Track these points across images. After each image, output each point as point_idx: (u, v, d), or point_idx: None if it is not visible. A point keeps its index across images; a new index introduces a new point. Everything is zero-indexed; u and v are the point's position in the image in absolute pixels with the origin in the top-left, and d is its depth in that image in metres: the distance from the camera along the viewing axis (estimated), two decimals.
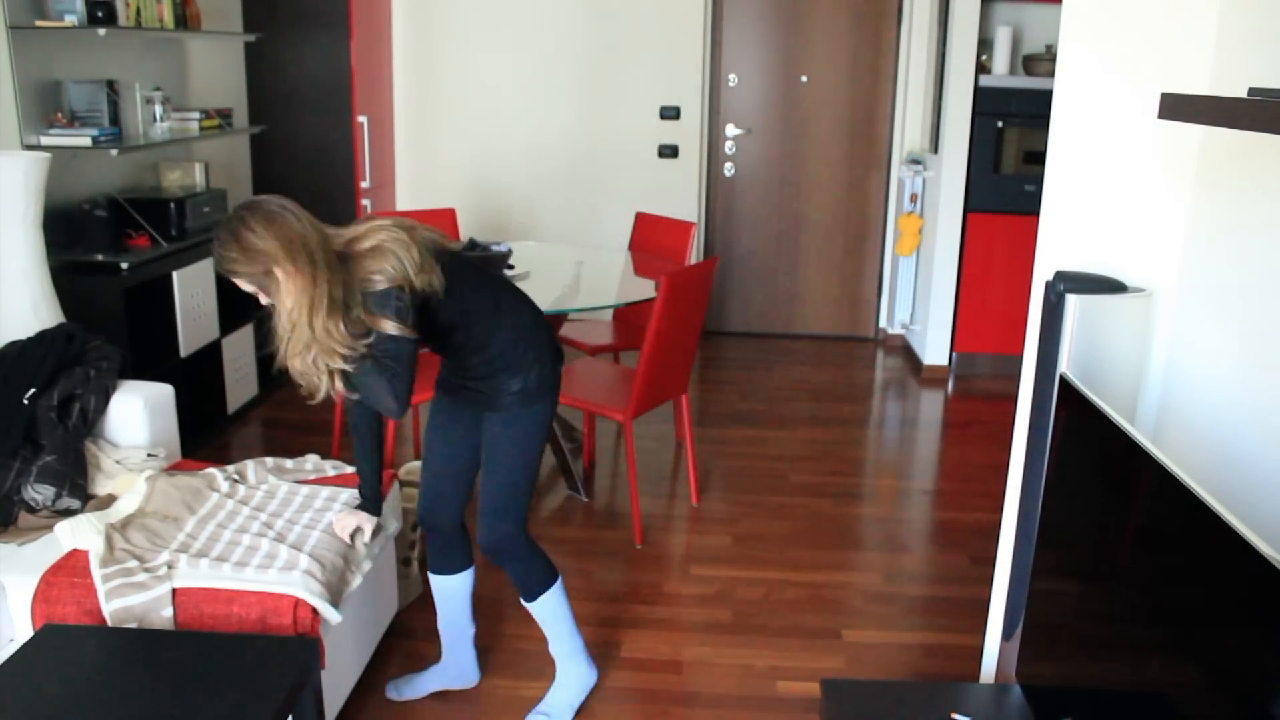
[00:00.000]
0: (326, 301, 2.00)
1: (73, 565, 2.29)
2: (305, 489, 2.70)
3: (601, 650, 2.84)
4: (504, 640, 2.89)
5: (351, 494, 2.66)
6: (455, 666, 2.67)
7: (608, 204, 5.85)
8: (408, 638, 2.90)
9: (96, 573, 2.24)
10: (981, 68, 5.11)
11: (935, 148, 5.35)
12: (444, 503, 2.52)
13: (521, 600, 2.54)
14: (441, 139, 5.93)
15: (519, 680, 2.74)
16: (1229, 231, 1.94)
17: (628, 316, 4.42)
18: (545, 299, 3.51)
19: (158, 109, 4.29)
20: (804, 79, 5.82)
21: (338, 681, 2.43)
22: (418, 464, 3.23)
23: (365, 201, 5.35)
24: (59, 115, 3.76)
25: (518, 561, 2.47)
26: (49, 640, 2.00)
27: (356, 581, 2.43)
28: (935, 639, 2.97)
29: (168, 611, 2.20)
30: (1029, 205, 5.02)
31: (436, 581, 2.59)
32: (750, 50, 5.82)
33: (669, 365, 3.50)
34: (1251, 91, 1.65)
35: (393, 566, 2.85)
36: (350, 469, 2.90)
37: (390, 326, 2.07)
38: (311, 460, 3.01)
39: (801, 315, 6.16)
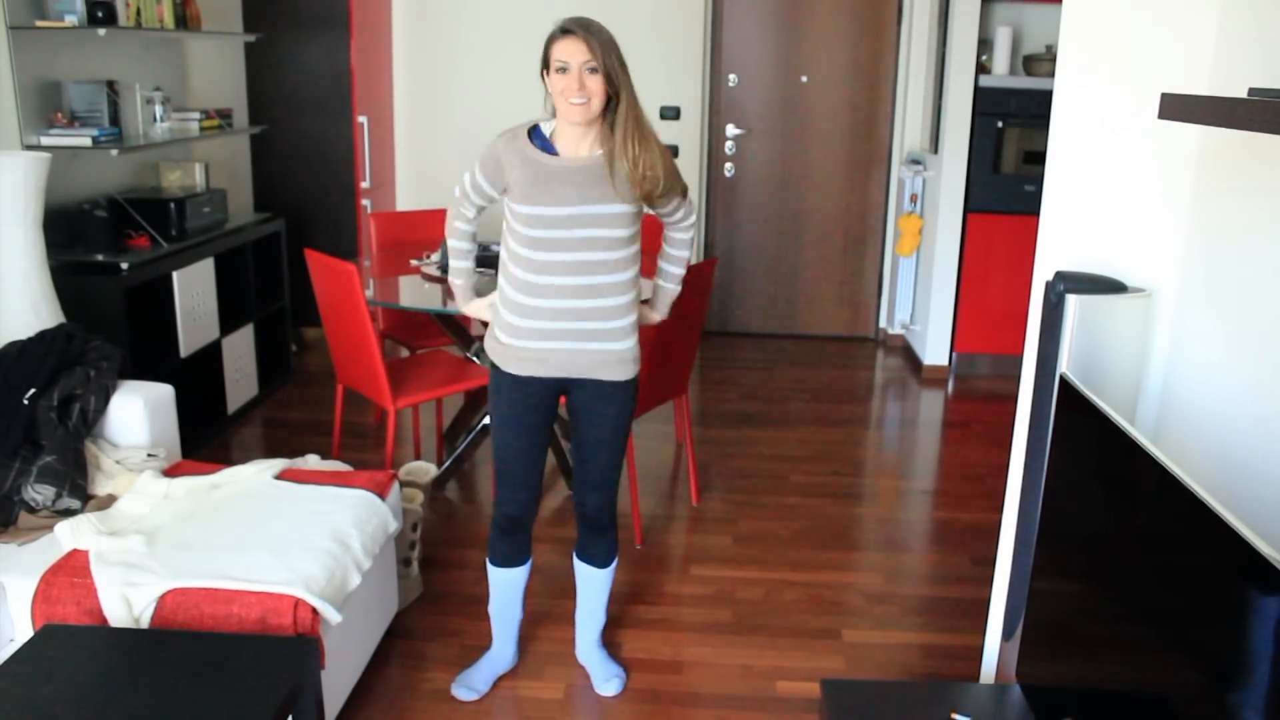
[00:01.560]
0: None
1: (73, 565, 2.29)
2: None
3: None
4: None
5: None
6: (508, 651, 2.75)
7: None
8: (408, 638, 2.90)
9: (98, 573, 2.24)
10: (981, 68, 5.11)
11: (935, 148, 5.35)
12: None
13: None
14: (441, 139, 5.93)
15: (520, 680, 2.74)
16: (1229, 231, 1.94)
17: None
18: None
19: (158, 109, 4.29)
20: (804, 79, 5.82)
21: (338, 681, 2.43)
22: (417, 464, 3.23)
23: (365, 201, 5.35)
24: (59, 115, 3.76)
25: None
26: (49, 640, 2.00)
27: (356, 581, 2.43)
28: (935, 639, 2.97)
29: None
30: (1029, 205, 5.03)
31: (509, 575, 2.64)
32: (750, 50, 5.82)
33: (669, 365, 3.50)
34: (1251, 91, 1.65)
35: (393, 566, 2.85)
36: (349, 468, 2.90)
37: None
38: (312, 460, 3.01)
39: (801, 315, 6.16)
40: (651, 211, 2.47)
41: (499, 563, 2.64)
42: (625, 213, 2.32)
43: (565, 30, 2.27)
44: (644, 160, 2.28)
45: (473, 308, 2.63)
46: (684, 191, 2.48)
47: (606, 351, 2.39)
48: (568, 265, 2.31)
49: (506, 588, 2.67)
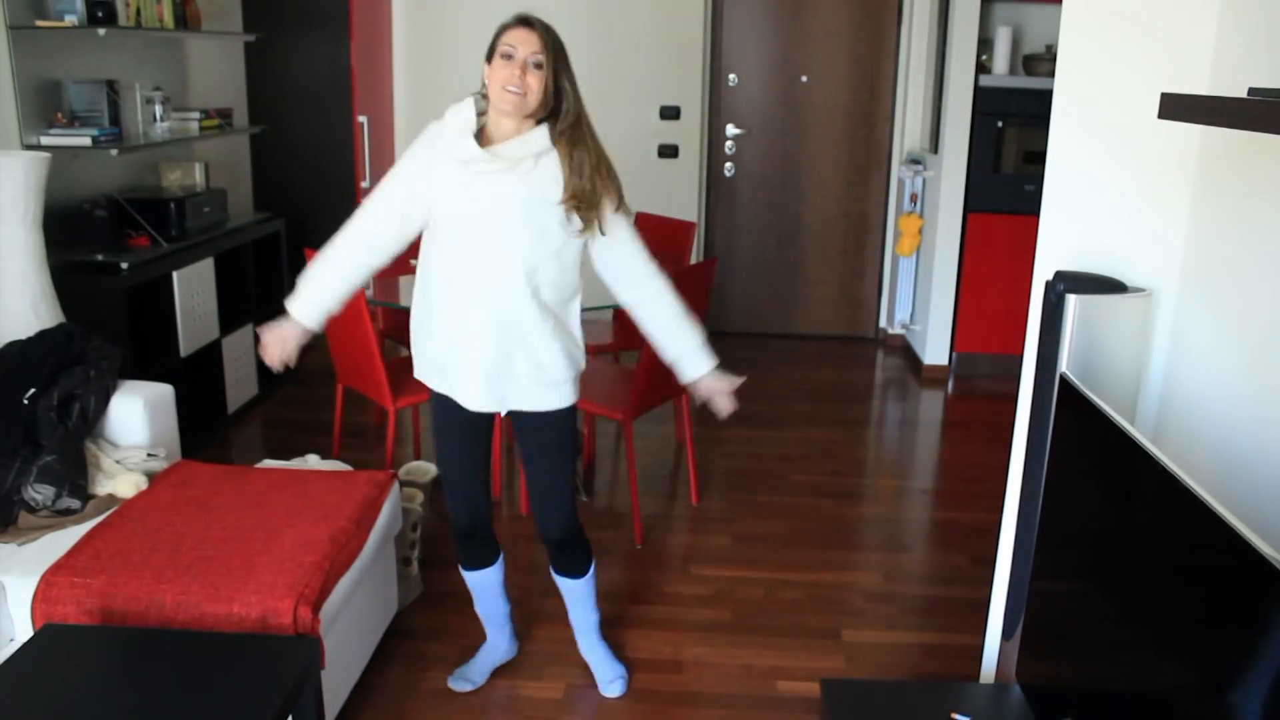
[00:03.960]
0: None
1: (73, 565, 2.29)
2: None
3: None
4: None
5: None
6: (502, 644, 2.76)
7: None
8: (408, 638, 2.90)
9: None
10: (981, 68, 5.11)
11: (935, 148, 5.34)
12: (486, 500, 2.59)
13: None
14: None
15: (519, 680, 2.74)
16: (1229, 231, 1.94)
17: (628, 317, 4.41)
18: None
19: (158, 109, 4.29)
20: (804, 79, 5.82)
21: (338, 681, 2.43)
22: (417, 464, 3.23)
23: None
24: (59, 115, 3.76)
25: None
26: (49, 640, 2.00)
27: (347, 581, 2.43)
28: (935, 639, 2.97)
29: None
30: (1029, 205, 5.01)
31: (478, 577, 2.65)
32: (750, 50, 5.82)
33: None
34: (1251, 91, 1.65)
35: (393, 566, 2.85)
36: (349, 468, 2.90)
37: None
38: (312, 460, 3.01)
39: (801, 315, 6.16)
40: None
41: (465, 566, 2.64)
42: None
43: (521, 20, 2.21)
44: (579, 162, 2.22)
45: None
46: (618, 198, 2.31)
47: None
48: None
49: (481, 589, 2.67)
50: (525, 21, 2.21)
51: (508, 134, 2.22)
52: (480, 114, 2.26)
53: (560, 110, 2.22)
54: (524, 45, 2.17)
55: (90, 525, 2.52)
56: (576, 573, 2.62)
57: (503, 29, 2.23)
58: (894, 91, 5.80)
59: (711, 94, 5.88)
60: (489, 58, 2.23)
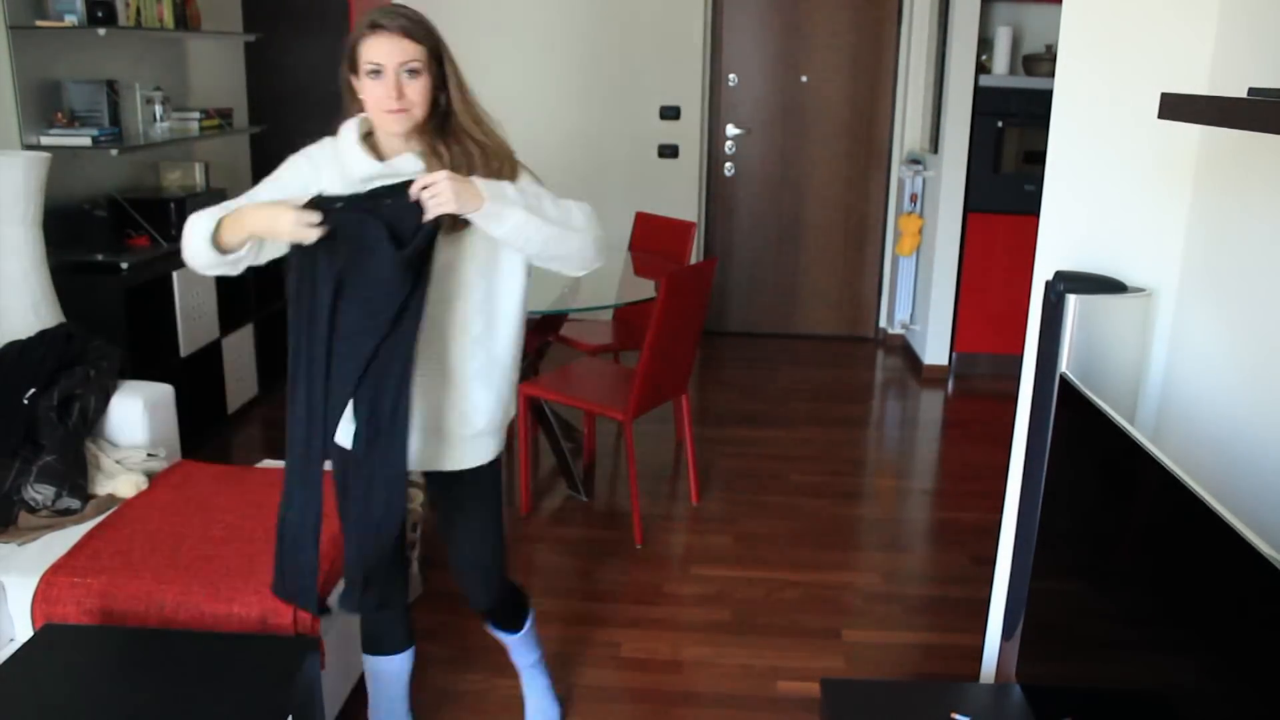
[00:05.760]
0: None
1: (73, 565, 2.29)
2: None
3: (602, 650, 2.84)
4: None
5: None
6: None
7: (608, 204, 5.82)
8: None
9: None
10: (981, 68, 5.11)
11: (935, 148, 5.34)
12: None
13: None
14: None
15: (519, 680, 2.73)
16: (1229, 231, 1.94)
17: (628, 316, 4.42)
18: (545, 299, 3.51)
19: (158, 109, 4.29)
20: (804, 79, 5.82)
21: (338, 681, 2.43)
22: None
23: None
24: (59, 115, 3.76)
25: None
26: (49, 640, 2.00)
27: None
28: (935, 639, 2.97)
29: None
30: (1029, 205, 5.00)
31: (377, 664, 2.29)
32: (750, 50, 5.82)
33: (669, 365, 3.50)
34: (1251, 91, 1.65)
35: None
36: None
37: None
38: None
39: (801, 315, 6.16)
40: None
41: (371, 651, 2.31)
42: None
43: (375, 25, 1.85)
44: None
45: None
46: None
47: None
48: None
49: (384, 680, 2.33)
50: (379, 26, 1.85)
51: (399, 149, 1.94)
52: (368, 133, 1.97)
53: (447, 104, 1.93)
54: (390, 57, 1.84)
55: (90, 525, 2.52)
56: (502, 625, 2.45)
57: (358, 39, 1.88)
58: (894, 91, 5.80)
59: (711, 94, 5.89)
60: (353, 72, 1.92)
